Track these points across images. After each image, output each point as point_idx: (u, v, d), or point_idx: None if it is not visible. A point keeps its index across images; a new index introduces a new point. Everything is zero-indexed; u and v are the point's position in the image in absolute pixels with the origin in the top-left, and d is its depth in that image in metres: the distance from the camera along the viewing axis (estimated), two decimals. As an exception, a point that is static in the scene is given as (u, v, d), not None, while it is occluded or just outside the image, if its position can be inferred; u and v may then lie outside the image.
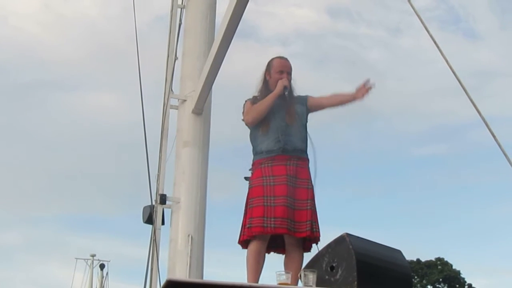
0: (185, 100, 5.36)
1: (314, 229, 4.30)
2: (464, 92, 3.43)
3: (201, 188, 5.20)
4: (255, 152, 4.55)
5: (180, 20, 5.58)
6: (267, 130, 4.51)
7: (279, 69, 4.62)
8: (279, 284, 3.38)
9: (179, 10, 5.62)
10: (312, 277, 3.39)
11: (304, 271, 3.46)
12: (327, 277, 3.61)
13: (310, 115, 4.67)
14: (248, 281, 4.24)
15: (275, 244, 4.44)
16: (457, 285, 37.32)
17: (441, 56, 3.50)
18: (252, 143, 4.60)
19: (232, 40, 4.59)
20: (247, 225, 4.34)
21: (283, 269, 4.21)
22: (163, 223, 5.16)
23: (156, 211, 5.12)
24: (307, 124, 4.63)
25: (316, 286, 3.39)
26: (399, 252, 3.94)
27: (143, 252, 5.25)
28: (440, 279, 36.85)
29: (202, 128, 5.34)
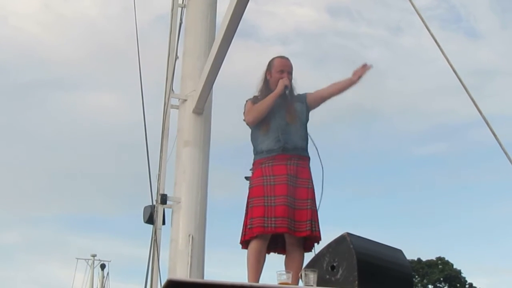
0: (185, 100, 5.36)
1: (314, 229, 4.30)
2: (465, 91, 3.43)
3: (201, 188, 5.20)
4: (256, 152, 4.55)
5: (181, 19, 5.57)
6: (268, 130, 4.50)
7: (279, 69, 4.62)
8: (280, 283, 3.38)
9: (179, 9, 5.61)
10: (313, 276, 3.39)
11: (305, 270, 3.45)
12: (328, 276, 3.61)
13: (311, 113, 4.66)
14: (248, 280, 4.24)
15: (276, 244, 4.44)
16: (458, 285, 37.31)
17: (442, 55, 3.50)
18: (252, 143, 4.60)
19: (233, 40, 4.59)
20: (248, 225, 4.33)
21: (283, 269, 4.21)
22: (163, 223, 5.16)
23: (156, 211, 5.12)
24: (308, 122, 4.63)
25: (317, 285, 3.39)
26: (400, 251, 3.94)
27: (144, 252, 5.26)
28: (441, 279, 36.85)
29: (203, 127, 5.34)
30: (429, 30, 3.55)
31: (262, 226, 4.26)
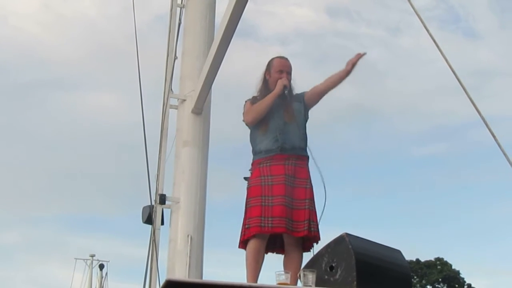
0: (184, 100, 5.36)
1: (312, 229, 4.30)
2: (464, 92, 3.43)
3: (200, 188, 5.20)
4: (255, 152, 4.55)
5: (180, 19, 5.57)
6: (266, 130, 4.51)
7: (279, 69, 4.63)
8: (279, 284, 3.38)
9: (178, 9, 5.62)
10: (311, 277, 3.39)
11: (304, 271, 3.46)
12: (326, 277, 3.61)
13: (311, 112, 4.67)
14: (247, 280, 4.24)
15: (275, 244, 4.44)
16: (457, 285, 37.32)
17: (441, 56, 3.50)
18: (251, 143, 4.60)
19: (232, 40, 4.59)
20: (246, 225, 4.34)
21: (282, 269, 4.21)
22: (162, 223, 5.15)
23: (155, 211, 5.11)
24: (307, 121, 4.63)
25: (316, 286, 3.39)
26: (398, 252, 3.94)
27: (143, 252, 5.25)
28: (440, 279, 36.85)
29: (202, 127, 5.34)
30: (428, 31, 3.55)
31: (259, 226, 4.26)
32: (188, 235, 5.00)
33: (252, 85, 4.71)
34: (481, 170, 54.03)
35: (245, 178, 4.54)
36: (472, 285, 37.29)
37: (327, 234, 4.22)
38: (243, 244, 4.38)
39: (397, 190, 57.88)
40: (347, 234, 3.66)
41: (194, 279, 4.52)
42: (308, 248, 4.40)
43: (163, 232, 5.13)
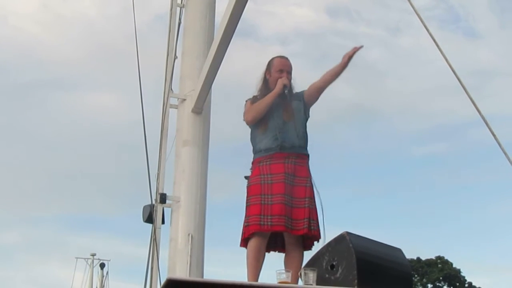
0: (184, 99, 5.36)
1: (312, 227, 4.31)
2: (464, 91, 3.43)
3: (201, 187, 5.20)
4: (255, 151, 4.57)
5: (180, 19, 5.57)
6: (266, 129, 4.52)
7: (279, 68, 4.63)
8: (279, 282, 3.38)
9: (178, 9, 5.61)
10: (312, 275, 3.39)
11: (305, 269, 3.46)
12: (327, 275, 3.62)
13: (312, 110, 4.67)
14: (248, 278, 4.25)
15: (275, 243, 4.45)
16: (457, 284, 37.32)
17: (441, 55, 3.50)
18: (252, 142, 4.61)
19: (232, 39, 4.59)
20: (245, 224, 4.35)
21: (283, 268, 4.22)
22: (163, 222, 5.15)
23: (156, 210, 5.11)
24: (308, 120, 4.64)
25: (317, 284, 3.40)
26: (399, 250, 3.94)
27: (143, 251, 5.25)
28: (440, 278, 36.86)
29: (202, 127, 5.34)
30: (428, 31, 3.55)
31: (259, 224, 4.27)
32: (188, 234, 5.00)
33: (252, 84, 4.73)
34: (481, 170, 54.07)
35: (246, 177, 4.55)
36: (473, 284, 37.34)
37: (327, 234, 4.24)
38: (244, 242, 4.39)
39: (397, 190, 57.93)
40: (348, 233, 3.66)
41: (195, 278, 4.53)
42: (308, 247, 4.40)
43: (164, 231, 5.14)
